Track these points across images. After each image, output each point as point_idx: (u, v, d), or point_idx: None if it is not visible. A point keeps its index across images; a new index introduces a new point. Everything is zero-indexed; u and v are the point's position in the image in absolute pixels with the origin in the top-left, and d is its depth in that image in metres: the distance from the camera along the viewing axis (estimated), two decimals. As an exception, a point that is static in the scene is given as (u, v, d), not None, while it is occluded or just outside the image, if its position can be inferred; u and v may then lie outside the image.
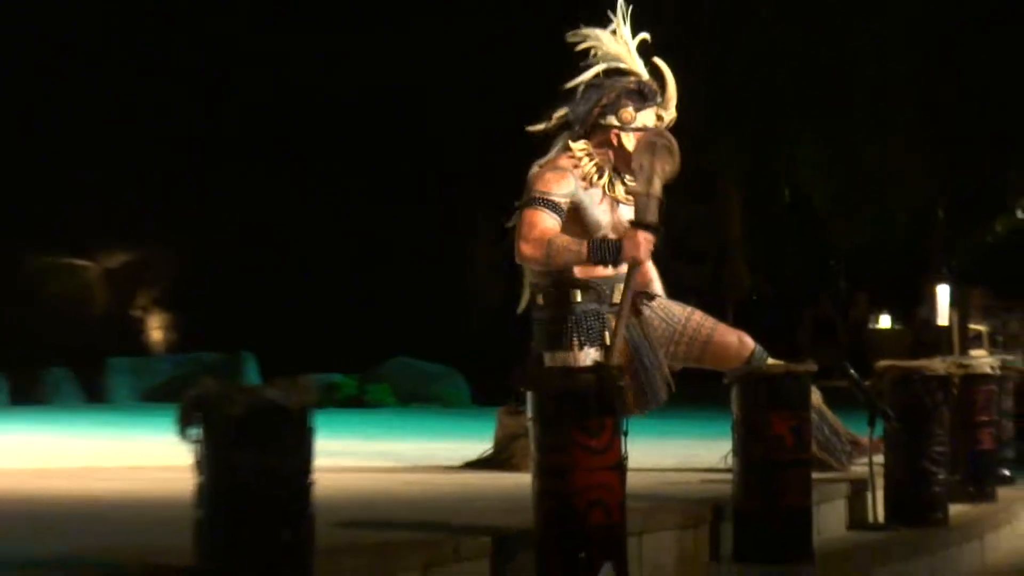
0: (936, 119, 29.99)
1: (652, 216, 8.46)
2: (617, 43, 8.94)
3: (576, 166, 8.72)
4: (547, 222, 8.50)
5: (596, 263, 8.42)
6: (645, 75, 8.91)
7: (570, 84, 8.89)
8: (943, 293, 29.37)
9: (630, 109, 8.79)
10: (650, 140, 8.62)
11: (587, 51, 8.95)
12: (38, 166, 27.89)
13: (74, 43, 28.53)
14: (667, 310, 8.87)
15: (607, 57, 8.93)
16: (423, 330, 23.91)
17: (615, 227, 8.70)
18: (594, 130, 8.83)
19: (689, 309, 8.90)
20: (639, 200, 8.52)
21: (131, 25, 29.29)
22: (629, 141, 8.72)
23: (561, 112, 8.86)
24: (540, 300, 8.72)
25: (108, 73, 28.62)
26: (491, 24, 28.14)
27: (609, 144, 8.79)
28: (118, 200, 28.53)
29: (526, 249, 8.53)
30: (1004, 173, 32.63)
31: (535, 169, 8.81)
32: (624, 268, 8.65)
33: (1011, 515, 9.60)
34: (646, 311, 8.78)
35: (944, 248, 32.53)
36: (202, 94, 29.48)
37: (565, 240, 8.43)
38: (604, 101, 8.82)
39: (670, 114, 8.85)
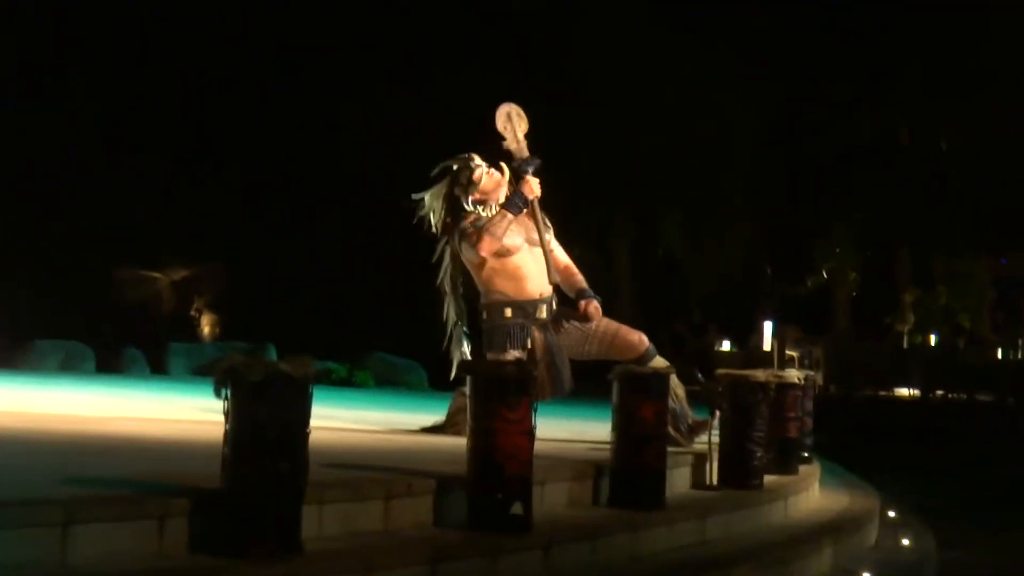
0: (768, 204, 30.18)
1: (527, 154, 8.51)
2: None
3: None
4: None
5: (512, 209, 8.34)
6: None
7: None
8: (768, 327, 29.43)
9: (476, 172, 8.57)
10: (504, 110, 8.62)
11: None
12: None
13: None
14: (582, 319, 8.67)
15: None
16: (397, 332, 23.67)
17: (527, 239, 8.57)
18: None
19: (600, 317, 8.71)
20: (515, 151, 8.56)
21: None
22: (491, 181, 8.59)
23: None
24: (484, 315, 8.63)
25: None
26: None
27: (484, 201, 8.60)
28: (182, 228, 28.40)
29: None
30: (813, 245, 32.88)
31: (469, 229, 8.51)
32: (547, 291, 8.60)
33: (807, 485, 9.60)
34: (564, 324, 8.69)
35: (770, 295, 32.66)
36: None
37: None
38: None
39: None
